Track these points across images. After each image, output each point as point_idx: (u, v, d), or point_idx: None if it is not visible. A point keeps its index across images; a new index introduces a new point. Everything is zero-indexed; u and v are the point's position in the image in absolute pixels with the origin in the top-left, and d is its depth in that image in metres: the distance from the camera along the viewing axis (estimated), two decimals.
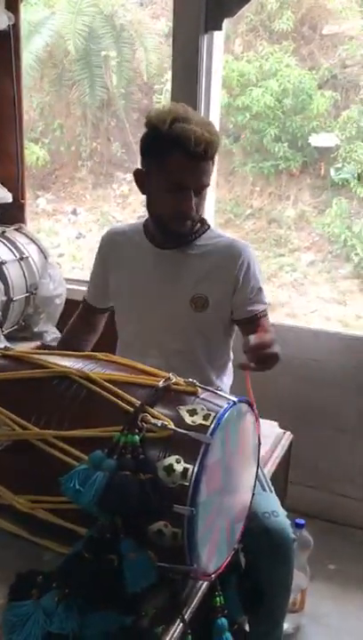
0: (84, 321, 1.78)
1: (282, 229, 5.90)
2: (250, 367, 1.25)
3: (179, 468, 0.96)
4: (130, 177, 6.83)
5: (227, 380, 1.67)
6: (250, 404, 1.15)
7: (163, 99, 6.07)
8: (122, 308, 1.66)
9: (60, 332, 2.46)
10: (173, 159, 1.41)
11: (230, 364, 1.69)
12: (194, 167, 1.43)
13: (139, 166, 1.52)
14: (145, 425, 1.01)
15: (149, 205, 1.53)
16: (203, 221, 1.60)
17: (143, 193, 1.53)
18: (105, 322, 1.79)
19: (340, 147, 5.59)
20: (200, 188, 1.47)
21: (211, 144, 1.41)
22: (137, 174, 1.52)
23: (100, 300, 1.74)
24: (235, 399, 1.08)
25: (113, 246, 1.67)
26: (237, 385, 1.70)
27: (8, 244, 2.40)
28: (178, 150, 1.39)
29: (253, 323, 1.57)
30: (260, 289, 1.59)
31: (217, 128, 2.40)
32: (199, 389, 1.10)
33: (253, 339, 1.30)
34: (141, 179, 1.52)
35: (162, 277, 1.57)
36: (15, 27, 2.41)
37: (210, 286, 1.54)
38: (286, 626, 1.78)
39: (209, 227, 1.60)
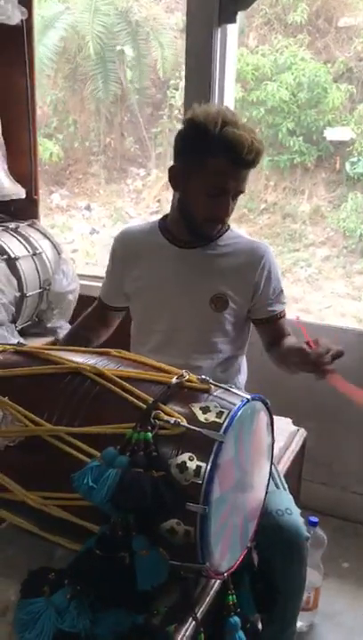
0: (95, 316, 1.76)
1: (297, 224, 5.87)
2: (332, 371, 1.31)
3: (192, 465, 0.95)
4: (143, 172, 6.83)
5: (242, 378, 1.67)
6: (265, 402, 1.13)
7: (177, 94, 6.05)
8: (139, 307, 1.65)
9: None
10: (220, 163, 1.39)
11: (244, 362, 1.68)
12: (238, 173, 1.42)
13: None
14: (158, 422, 1.00)
15: (182, 203, 1.51)
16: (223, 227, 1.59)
17: (176, 190, 1.51)
18: (119, 320, 1.77)
19: (355, 141, 5.54)
20: (238, 194, 1.46)
21: (259, 153, 1.41)
22: (173, 171, 1.49)
23: (112, 299, 1.72)
24: (249, 396, 1.07)
25: (127, 247, 1.65)
26: (251, 383, 1.69)
27: (21, 240, 2.40)
28: (227, 155, 1.37)
29: (272, 322, 1.59)
30: (281, 290, 1.60)
31: None
32: (212, 387, 1.09)
33: (311, 350, 1.33)
34: (176, 176, 1.49)
35: (182, 277, 1.56)
36: (28, 21, 2.40)
37: (230, 287, 1.54)
38: (299, 624, 1.77)
39: (229, 226, 1.59)
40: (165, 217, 1.62)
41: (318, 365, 1.31)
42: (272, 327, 1.59)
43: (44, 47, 6.31)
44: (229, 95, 2.30)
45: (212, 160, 1.39)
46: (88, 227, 6.66)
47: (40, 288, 2.40)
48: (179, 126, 1.51)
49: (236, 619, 1.12)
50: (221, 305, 1.53)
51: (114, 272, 1.69)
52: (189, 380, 1.09)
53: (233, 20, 2.20)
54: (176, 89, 6.18)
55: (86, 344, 1.68)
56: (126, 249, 1.65)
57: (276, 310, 1.59)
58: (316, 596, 1.89)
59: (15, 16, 2.30)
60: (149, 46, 6.49)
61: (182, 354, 1.54)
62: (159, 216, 1.65)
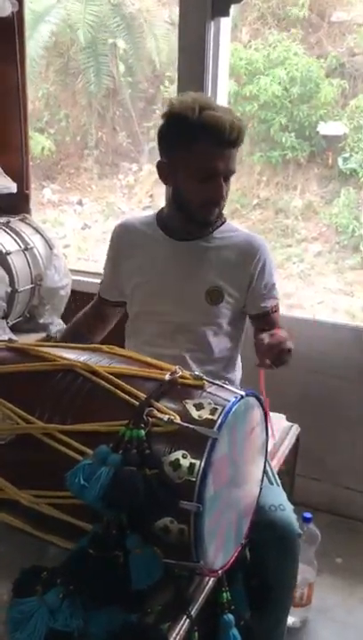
0: (94, 311, 1.76)
1: (289, 220, 5.86)
2: (267, 365, 1.28)
3: (185, 463, 0.94)
4: (136, 167, 6.80)
5: (237, 375, 1.66)
6: (258, 398, 1.13)
7: (171, 88, 6.01)
8: (135, 300, 1.64)
9: (66, 323, 2.44)
10: (204, 147, 1.40)
11: (239, 359, 1.67)
12: (224, 154, 1.42)
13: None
14: (151, 419, 0.99)
15: (175, 196, 1.52)
16: (220, 214, 1.59)
17: (168, 184, 1.53)
18: (117, 318, 1.76)
19: (348, 136, 5.54)
20: (229, 174, 1.46)
21: (241, 131, 1.41)
22: (161, 166, 1.50)
23: (110, 293, 1.71)
24: (242, 393, 1.06)
25: (124, 239, 1.65)
26: (247, 378, 1.68)
27: (13, 235, 2.38)
28: (209, 138, 1.39)
29: (264, 317, 1.59)
30: (273, 285, 1.60)
31: None
32: (206, 383, 1.08)
33: (266, 338, 1.32)
34: (165, 170, 1.50)
35: (178, 269, 1.56)
36: (19, 14, 2.37)
37: (225, 280, 1.54)
38: (293, 619, 1.78)
39: (225, 220, 1.60)
40: (162, 210, 1.63)
41: (258, 351, 1.32)
42: (264, 322, 1.58)
43: (35, 41, 6.26)
44: (222, 89, 2.29)
45: (196, 146, 1.40)
46: (80, 222, 6.62)
47: (32, 283, 2.39)
48: None
49: (230, 616, 1.11)
50: (217, 298, 1.53)
51: (110, 264, 1.69)
52: (182, 377, 1.08)
53: (226, 14, 2.19)
54: (171, 82, 6.14)
55: (83, 342, 1.66)
56: (123, 241, 1.65)
57: (267, 306, 1.58)
58: (309, 592, 1.89)
59: (6, 8, 2.27)
60: (143, 38, 6.45)
61: (177, 348, 1.53)
62: (151, 211, 1.65)
